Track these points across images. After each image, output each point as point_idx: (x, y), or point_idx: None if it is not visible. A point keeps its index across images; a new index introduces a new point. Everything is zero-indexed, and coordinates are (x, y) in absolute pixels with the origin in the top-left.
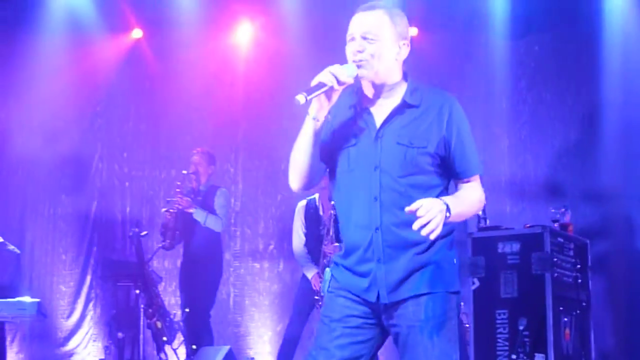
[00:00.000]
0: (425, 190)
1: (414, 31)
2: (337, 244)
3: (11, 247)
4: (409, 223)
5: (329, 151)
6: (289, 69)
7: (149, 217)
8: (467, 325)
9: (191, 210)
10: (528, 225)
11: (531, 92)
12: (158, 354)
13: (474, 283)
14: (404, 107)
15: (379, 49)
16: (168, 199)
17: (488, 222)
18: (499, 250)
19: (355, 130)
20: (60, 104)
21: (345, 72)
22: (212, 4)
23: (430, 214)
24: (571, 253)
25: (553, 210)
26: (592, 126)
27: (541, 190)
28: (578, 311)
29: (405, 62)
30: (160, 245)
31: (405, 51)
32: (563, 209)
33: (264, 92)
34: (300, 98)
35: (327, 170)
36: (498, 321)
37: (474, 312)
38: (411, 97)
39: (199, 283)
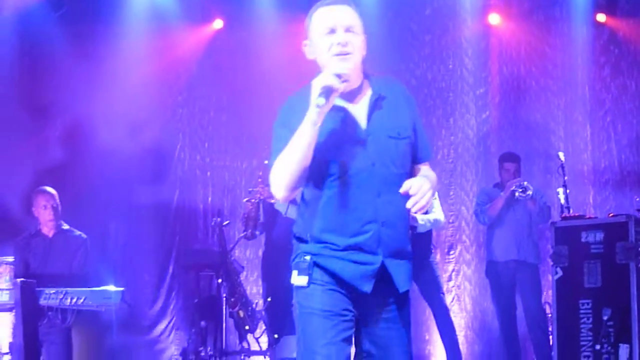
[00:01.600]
0: (404, 177)
1: (496, 19)
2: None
3: (77, 232)
4: (405, 216)
5: (315, 157)
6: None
7: (230, 206)
8: (550, 315)
9: (273, 201)
10: (612, 214)
11: (615, 79)
12: (240, 342)
13: (557, 272)
14: (379, 100)
15: (359, 42)
16: (250, 189)
17: (571, 211)
18: (583, 240)
19: (338, 131)
20: (142, 95)
21: (344, 69)
22: None
23: (422, 191)
24: None
25: (638, 199)
26: None
27: (625, 179)
28: None
29: (473, 49)
30: (242, 234)
31: (365, 47)
32: None
33: None
34: (322, 101)
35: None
36: (582, 311)
37: (557, 302)
38: (380, 89)
39: (281, 272)
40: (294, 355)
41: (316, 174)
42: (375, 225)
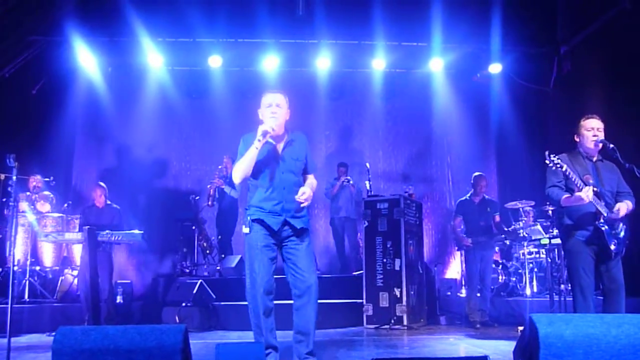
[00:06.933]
0: (299, 180)
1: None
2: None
3: (115, 205)
4: (294, 200)
5: (256, 165)
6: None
7: (200, 190)
8: (362, 246)
9: (223, 186)
10: (392, 194)
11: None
12: (204, 259)
13: (365, 223)
14: (290, 142)
15: (283, 112)
16: (211, 181)
17: (372, 192)
18: (378, 207)
19: (268, 154)
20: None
21: (274, 124)
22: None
23: (308, 198)
24: (413, 209)
25: (405, 187)
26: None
27: (400, 177)
28: (416, 238)
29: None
30: (206, 204)
31: (288, 114)
32: (410, 186)
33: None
34: (262, 137)
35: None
36: (377, 243)
37: (365, 239)
38: (292, 136)
39: (228, 223)
40: (233, 265)
41: (256, 173)
42: (283, 202)
